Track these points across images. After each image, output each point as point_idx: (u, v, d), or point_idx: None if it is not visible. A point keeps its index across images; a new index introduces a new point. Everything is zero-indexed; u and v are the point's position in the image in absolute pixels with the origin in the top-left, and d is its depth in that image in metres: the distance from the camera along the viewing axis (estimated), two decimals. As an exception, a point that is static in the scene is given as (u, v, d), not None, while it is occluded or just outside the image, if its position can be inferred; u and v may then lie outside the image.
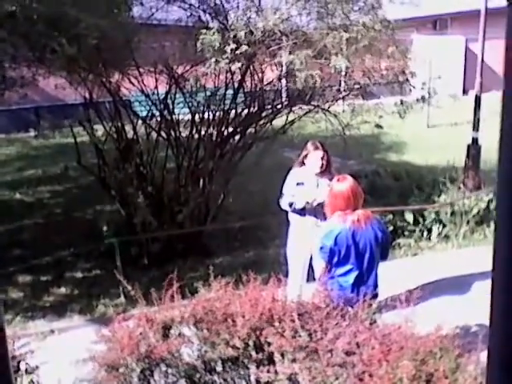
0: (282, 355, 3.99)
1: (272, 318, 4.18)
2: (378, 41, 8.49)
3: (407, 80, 9.08)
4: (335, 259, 5.44)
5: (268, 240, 9.83)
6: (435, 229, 9.87)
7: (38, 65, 8.98)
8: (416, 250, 9.57)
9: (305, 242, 6.74)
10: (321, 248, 5.52)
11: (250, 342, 4.14)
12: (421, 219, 9.99)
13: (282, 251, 7.51)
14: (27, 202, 12.44)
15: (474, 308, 5.18)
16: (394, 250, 9.39)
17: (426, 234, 9.87)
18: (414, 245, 9.65)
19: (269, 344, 4.08)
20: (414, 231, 9.84)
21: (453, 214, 10.10)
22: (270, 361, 4.07)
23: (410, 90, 9.58)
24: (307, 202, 6.67)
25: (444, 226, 9.93)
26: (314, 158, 6.71)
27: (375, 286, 5.77)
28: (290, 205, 6.75)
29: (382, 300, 5.44)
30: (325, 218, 6.28)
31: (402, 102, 9.64)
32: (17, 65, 9.02)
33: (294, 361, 3.95)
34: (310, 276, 6.86)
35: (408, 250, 9.51)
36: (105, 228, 8.90)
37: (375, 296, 5.83)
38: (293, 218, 6.92)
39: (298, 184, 6.78)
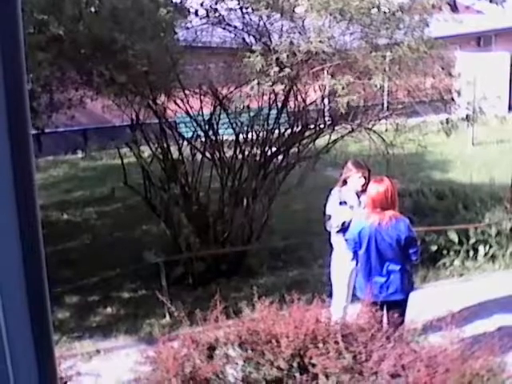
0: (327, 377, 3.99)
1: (316, 339, 4.18)
2: (422, 60, 8.44)
3: (452, 99, 9.00)
4: (360, 251, 6.02)
5: (311, 260, 9.79)
6: (481, 249, 9.68)
7: (85, 87, 9.15)
8: (462, 270, 9.42)
9: (349, 262, 6.71)
10: (346, 240, 6.29)
11: (295, 363, 4.15)
12: (466, 239, 9.80)
13: (326, 271, 7.49)
14: (74, 223, 12.57)
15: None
16: (439, 271, 9.28)
17: (471, 254, 9.67)
18: (460, 265, 9.50)
19: (313, 365, 4.08)
20: (460, 251, 9.65)
21: (499, 233, 9.92)
22: (315, 382, 4.07)
23: (456, 108, 9.49)
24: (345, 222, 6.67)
25: (490, 246, 9.74)
26: (356, 176, 6.71)
27: (401, 289, 5.92)
28: (343, 223, 6.69)
29: (428, 321, 5.39)
30: None
31: (447, 121, 9.52)
32: (64, 87, 9.17)
33: (338, 383, 3.94)
34: (355, 297, 6.83)
35: (454, 271, 9.37)
36: (150, 250, 8.97)
37: (402, 302, 5.92)
38: (336, 239, 6.89)
39: (340, 203, 6.77)
